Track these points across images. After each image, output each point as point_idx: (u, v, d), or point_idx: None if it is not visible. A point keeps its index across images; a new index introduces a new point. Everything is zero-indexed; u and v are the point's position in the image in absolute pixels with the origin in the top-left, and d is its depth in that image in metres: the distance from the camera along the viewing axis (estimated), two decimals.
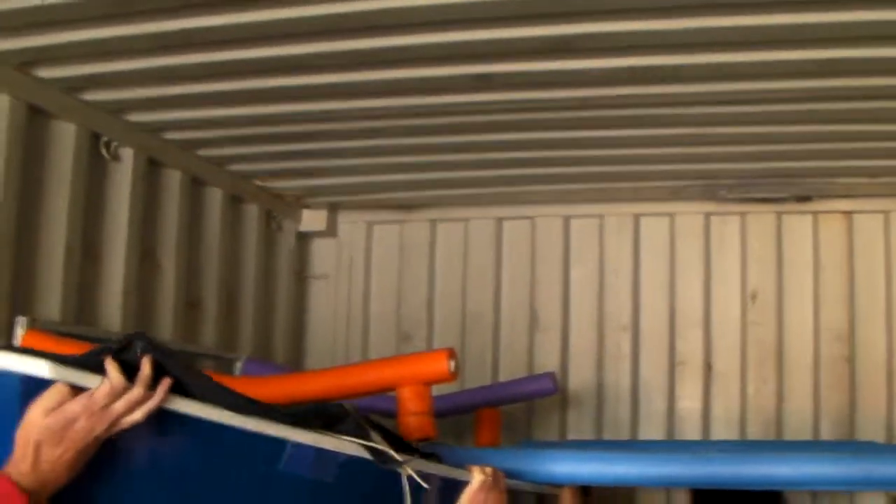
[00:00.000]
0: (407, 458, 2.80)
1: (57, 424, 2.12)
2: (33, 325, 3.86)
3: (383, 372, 3.42)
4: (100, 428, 2.16)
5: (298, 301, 6.31)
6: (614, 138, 4.71)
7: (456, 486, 2.94)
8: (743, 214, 5.82)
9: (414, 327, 6.06)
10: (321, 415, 2.72)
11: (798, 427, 5.60)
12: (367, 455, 2.71)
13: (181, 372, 2.34)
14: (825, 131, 4.53)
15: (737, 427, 5.68)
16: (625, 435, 5.78)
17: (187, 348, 4.92)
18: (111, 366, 2.21)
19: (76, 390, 2.16)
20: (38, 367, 2.15)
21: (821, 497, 5.46)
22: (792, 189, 5.53)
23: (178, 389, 2.33)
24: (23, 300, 3.95)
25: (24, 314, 3.87)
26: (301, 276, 6.34)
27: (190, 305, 5.09)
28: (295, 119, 4.48)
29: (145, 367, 2.25)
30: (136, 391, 2.20)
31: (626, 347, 5.89)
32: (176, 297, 4.91)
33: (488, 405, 5.22)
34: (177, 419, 2.32)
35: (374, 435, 2.77)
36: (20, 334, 3.82)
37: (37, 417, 2.12)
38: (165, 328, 4.84)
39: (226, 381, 4.34)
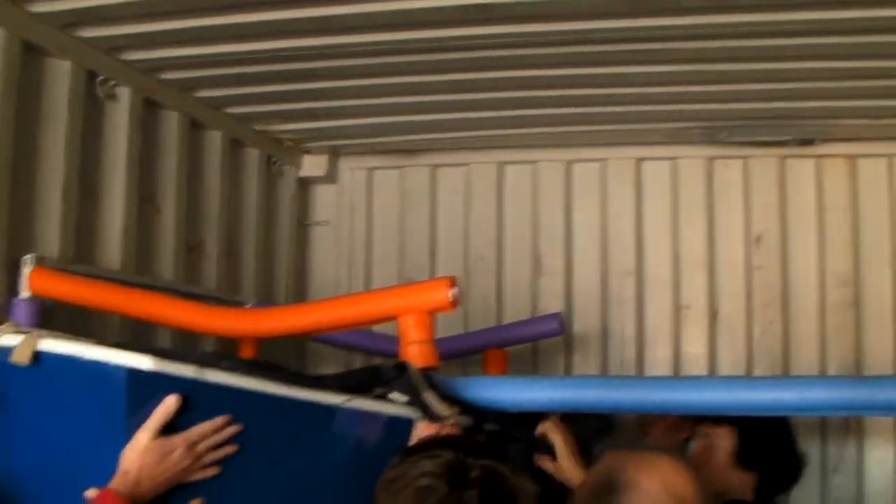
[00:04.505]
0: (452, 411, 3.03)
1: (157, 454, 2.50)
2: (40, 264, 3.87)
3: (385, 301, 3.40)
4: (187, 462, 2.55)
5: (300, 247, 6.31)
6: (614, 76, 4.66)
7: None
8: (745, 159, 5.79)
9: (417, 273, 6.01)
10: (373, 377, 3.04)
11: (805, 371, 5.56)
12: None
13: (260, 372, 2.75)
14: (827, 68, 4.47)
15: (743, 371, 5.65)
16: None
17: (191, 290, 4.91)
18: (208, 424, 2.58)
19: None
20: (142, 361, 2.49)
21: (829, 442, 5.46)
22: (794, 132, 5.48)
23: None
24: (21, 239, 3.95)
25: (23, 252, 3.88)
26: (302, 222, 6.32)
27: (190, 248, 5.09)
28: (292, 56, 4.44)
29: (216, 422, 2.61)
30: (214, 439, 2.60)
31: (631, 292, 5.88)
32: (176, 240, 4.91)
33: (495, 346, 5.25)
34: (259, 398, 2.70)
35: (428, 392, 3.01)
36: (26, 273, 3.85)
37: (143, 441, 2.50)
38: (166, 270, 4.85)
39: (235, 312, 4.44)
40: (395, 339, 5.29)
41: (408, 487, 2.24)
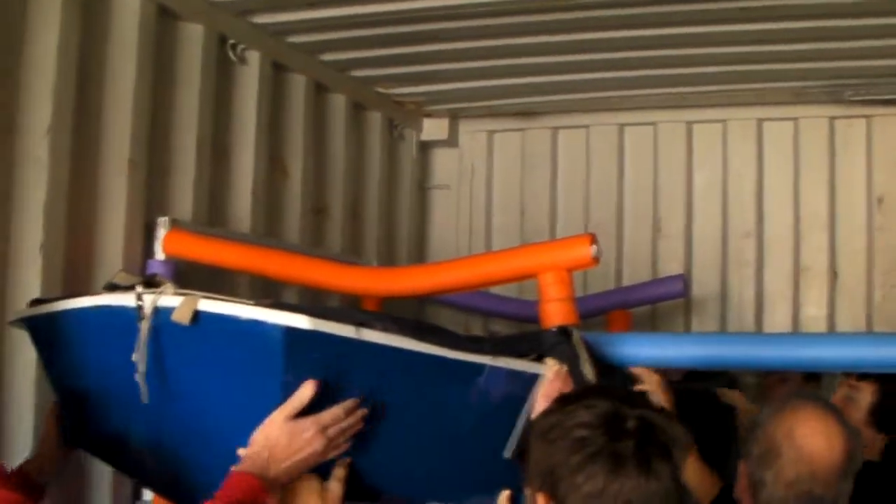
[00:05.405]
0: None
1: (288, 435, 2.47)
2: (175, 226, 3.95)
3: (525, 258, 3.39)
4: (318, 444, 2.49)
5: (421, 211, 6.38)
6: (736, 34, 4.61)
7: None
8: (868, 118, 5.68)
9: (536, 236, 5.95)
10: (535, 343, 3.00)
11: None
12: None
13: (416, 332, 2.70)
14: None
15: None
16: None
17: (316, 253, 4.92)
18: (340, 408, 2.52)
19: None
20: (299, 320, 2.47)
21: None
22: None
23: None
24: (157, 201, 4.04)
25: (158, 215, 3.96)
26: (423, 185, 6.38)
27: (316, 211, 5.16)
28: (415, 18, 4.46)
29: (348, 405, 2.56)
30: (347, 422, 2.55)
31: (750, 254, 5.83)
32: (303, 203, 4.99)
33: (620, 307, 5.31)
34: (412, 357, 2.67)
35: (585, 359, 2.99)
36: (161, 234, 3.93)
37: (277, 422, 2.47)
38: (293, 232, 4.93)
39: (374, 271, 4.49)
40: (514, 301, 5.39)
41: (564, 437, 2.22)
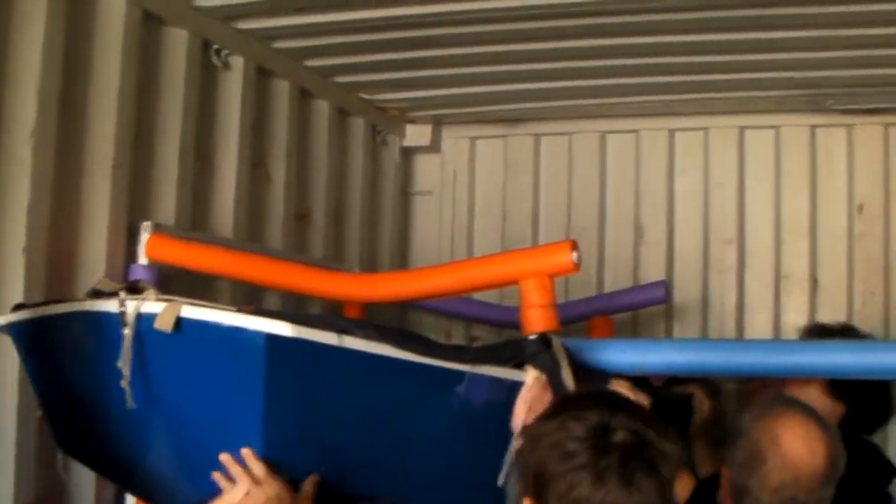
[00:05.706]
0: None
1: None
2: (157, 230, 3.93)
3: (506, 264, 3.40)
4: None
5: (403, 216, 6.37)
6: (718, 43, 4.63)
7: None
8: (849, 127, 5.69)
9: (518, 242, 5.96)
10: (516, 351, 3.02)
11: None
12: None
13: (402, 341, 2.76)
14: None
15: None
16: None
17: (298, 259, 4.93)
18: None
19: None
20: (281, 327, 2.52)
21: None
22: None
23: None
24: (140, 206, 4.03)
25: (141, 219, 3.94)
26: (405, 191, 6.38)
27: (299, 216, 5.16)
28: (399, 25, 4.47)
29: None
30: None
31: (732, 261, 5.84)
32: (286, 208, 4.98)
33: (602, 313, 5.31)
34: (393, 364, 2.71)
35: (566, 368, 2.96)
36: (144, 239, 3.91)
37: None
38: (276, 238, 4.92)
39: (357, 277, 4.49)
40: (495, 307, 5.40)
41: (552, 448, 2.25)
